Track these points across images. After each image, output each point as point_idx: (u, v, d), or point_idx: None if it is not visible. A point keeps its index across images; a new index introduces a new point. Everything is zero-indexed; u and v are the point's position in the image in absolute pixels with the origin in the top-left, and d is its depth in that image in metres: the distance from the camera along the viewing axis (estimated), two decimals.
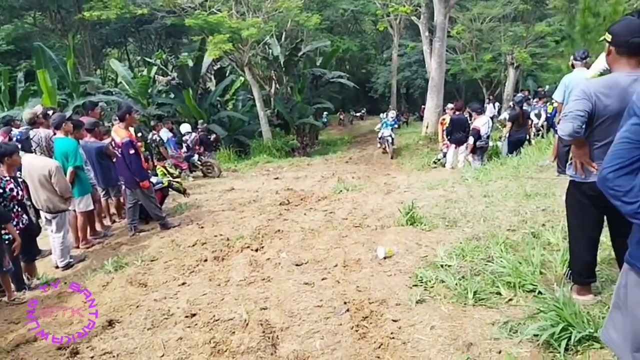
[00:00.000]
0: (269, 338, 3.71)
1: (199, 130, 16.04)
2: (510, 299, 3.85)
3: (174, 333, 3.93)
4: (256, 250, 5.79)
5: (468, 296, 3.93)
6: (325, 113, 33.53)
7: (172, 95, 22.77)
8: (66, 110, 17.11)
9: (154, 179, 7.96)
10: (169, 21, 20.59)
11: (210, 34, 19.01)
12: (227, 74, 25.12)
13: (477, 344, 3.33)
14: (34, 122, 7.21)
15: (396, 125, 19.56)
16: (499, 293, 3.95)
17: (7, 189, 5.37)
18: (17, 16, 23.70)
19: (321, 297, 4.30)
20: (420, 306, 3.97)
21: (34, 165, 5.95)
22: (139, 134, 10.57)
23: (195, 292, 4.71)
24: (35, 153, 6.63)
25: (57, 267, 6.33)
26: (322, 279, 4.69)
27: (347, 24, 39.27)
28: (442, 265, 4.65)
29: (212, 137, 15.96)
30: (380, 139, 19.39)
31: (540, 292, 3.76)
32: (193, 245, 6.45)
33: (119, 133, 6.94)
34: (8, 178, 5.41)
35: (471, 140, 11.33)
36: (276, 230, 6.64)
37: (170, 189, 8.66)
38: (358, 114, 41.32)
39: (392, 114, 19.75)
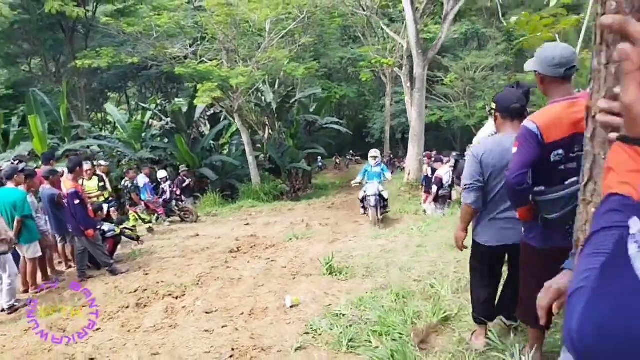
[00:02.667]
0: None
1: (181, 175, 16.54)
2: (377, 347, 4.17)
3: None
4: (177, 297, 6.14)
5: (343, 343, 4.26)
6: (319, 157, 34.10)
7: (166, 140, 23.41)
8: (57, 153, 17.83)
9: (106, 227, 8.39)
10: (162, 69, 21.36)
11: (200, 81, 19.72)
12: (221, 119, 25.82)
13: None
14: None
15: (386, 175, 12.40)
16: (369, 341, 4.28)
17: None
18: (13, 63, 24.73)
19: (214, 343, 4.64)
20: (298, 352, 4.30)
21: None
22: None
23: (104, 337, 5.07)
24: None
25: (2, 310, 6.68)
26: (223, 327, 5.04)
27: (346, 71, 40.14)
28: (337, 314, 4.98)
29: (188, 182, 16.36)
30: (362, 200, 12.19)
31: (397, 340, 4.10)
32: (134, 292, 6.81)
33: (67, 184, 7.44)
34: None
35: (434, 188, 11.75)
36: (215, 278, 7.00)
37: (123, 237, 9.06)
38: (354, 158, 41.88)
39: (374, 153, 12.52)
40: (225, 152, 25.57)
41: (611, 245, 0.77)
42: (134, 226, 11.19)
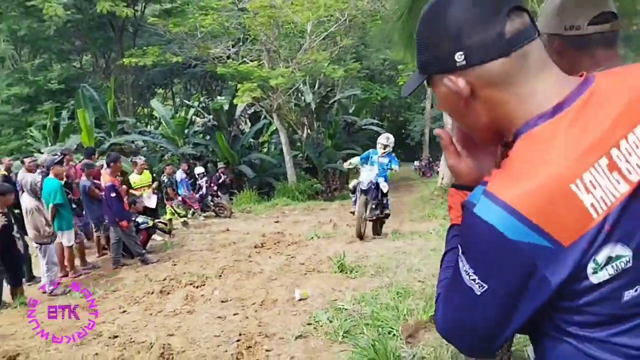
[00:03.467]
0: (163, 358, 4.56)
1: (219, 171, 17.22)
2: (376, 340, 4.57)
3: (94, 349, 4.84)
4: (197, 287, 6.68)
5: (339, 334, 4.68)
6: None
7: (207, 137, 24.20)
8: (103, 147, 18.80)
9: (140, 219, 9.02)
10: (206, 68, 22.12)
11: (241, 81, 20.36)
12: (261, 118, 26.49)
13: None
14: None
15: (394, 167, 9.89)
16: (362, 333, 4.69)
17: None
18: (66, 59, 26.01)
19: (224, 329, 5.14)
20: (297, 340, 4.75)
21: (23, 204, 7.17)
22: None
23: (128, 318, 5.64)
24: (21, 194, 7.87)
25: (45, 292, 7.36)
26: (234, 314, 5.53)
27: (389, 72, 40.36)
28: (339, 309, 5.40)
29: (224, 178, 17.00)
30: (354, 191, 9.85)
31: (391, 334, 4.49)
32: (163, 280, 7.39)
33: (105, 178, 8.11)
34: None
35: None
36: (236, 271, 7.52)
37: (156, 229, 9.69)
38: None
39: (384, 140, 9.93)
40: (264, 150, 26.23)
41: (455, 262, 1.04)
42: (170, 219, 11.83)
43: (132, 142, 20.52)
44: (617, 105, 0.94)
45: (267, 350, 4.56)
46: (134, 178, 10.74)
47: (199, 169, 15.52)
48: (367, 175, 9.44)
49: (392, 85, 41.58)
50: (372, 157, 9.82)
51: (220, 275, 7.23)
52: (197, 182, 15.13)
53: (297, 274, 7.06)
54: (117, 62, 22.80)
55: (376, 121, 31.44)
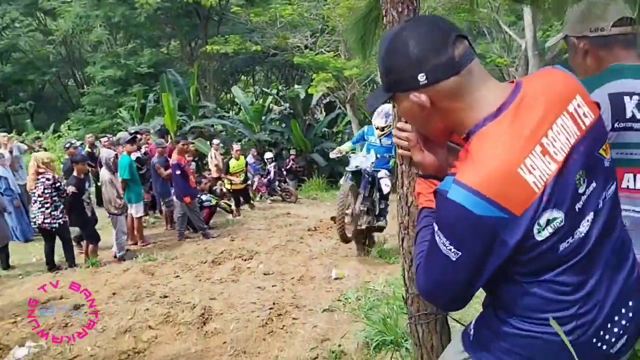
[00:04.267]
0: (203, 317, 5.14)
1: (289, 158, 17.89)
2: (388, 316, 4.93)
3: (145, 305, 5.49)
4: (245, 260, 7.25)
5: (362, 310, 5.08)
6: None
7: (283, 124, 24.93)
8: (184, 129, 19.91)
9: (204, 197, 9.75)
10: (285, 57, 22.77)
11: (316, 71, 20.86)
12: (335, 108, 26.92)
13: (332, 339, 4.52)
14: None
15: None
16: (380, 312, 5.05)
17: (62, 185, 7.40)
18: (155, 45, 27.49)
19: (261, 297, 5.65)
20: (324, 313, 5.18)
21: (101, 177, 8.08)
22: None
23: (180, 282, 6.29)
24: (100, 168, 8.77)
25: (115, 257, 8.19)
26: (273, 286, 6.04)
27: None
28: (370, 289, 5.78)
29: (291, 165, 17.66)
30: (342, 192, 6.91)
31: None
32: (220, 253, 8.03)
33: (174, 157, 8.85)
34: (61, 176, 7.45)
35: None
36: (285, 249, 8.04)
37: (218, 207, 10.40)
38: None
39: (380, 121, 6.92)
40: (338, 140, 26.67)
41: (429, 237, 1.35)
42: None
43: (212, 126, 21.50)
44: (541, 106, 1.26)
45: (294, 319, 5.03)
46: (232, 163, 12.17)
47: (268, 154, 16.21)
48: (362, 161, 6.94)
49: None
50: (368, 137, 7.34)
51: (268, 252, 7.78)
52: (267, 167, 15.83)
53: (339, 256, 7.49)
54: (201, 49, 23.86)
55: None
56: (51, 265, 7.54)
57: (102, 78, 26.19)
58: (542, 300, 1.30)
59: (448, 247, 1.25)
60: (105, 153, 8.79)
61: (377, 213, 7.26)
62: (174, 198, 9.27)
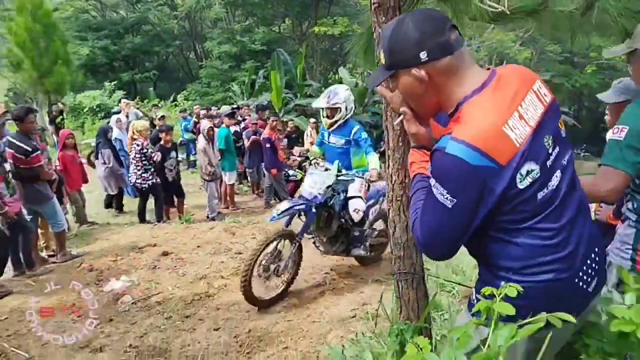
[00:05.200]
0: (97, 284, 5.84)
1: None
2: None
3: (221, 258, 6.35)
4: None
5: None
6: None
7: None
8: (288, 106, 20.88)
9: (290, 172, 10.48)
10: None
11: None
12: None
13: (372, 304, 5.06)
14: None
15: (369, 159, 5.59)
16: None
17: (148, 152, 8.44)
18: (268, 24, 28.68)
19: (324, 263, 6.27)
20: (373, 283, 5.69)
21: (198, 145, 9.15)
22: None
23: (254, 242, 7.02)
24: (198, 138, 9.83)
25: (207, 217, 9.19)
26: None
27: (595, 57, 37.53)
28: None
29: (383, 148, 17.99)
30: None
31: None
32: None
33: (265, 131, 9.69)
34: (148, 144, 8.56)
35: None
36: None
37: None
38: (584, 154, 39.11)
39: (325, 99, 5.54)
40: None
41: (423, 197, 1.63)
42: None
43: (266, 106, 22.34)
44: (514, 84, 1.58)
45: (345, 284, 5.62)
46: None
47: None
48: (314, 182, 5.26)
49: (597, 72, 38.66)
50: (324, 139, 5.98)
51: None
52: None
53: None
54: (310, 30, 24.65)
55: (566, 109, 29.90)
56: (142, 220, 8.76)
57: (219, 53, 27.70)
58: (529, 248, 1.56)
59: (445, 196, 1.48)
60: (203, 124, 9.79)
61: (351, 240, 5.71)
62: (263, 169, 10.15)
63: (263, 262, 4.90)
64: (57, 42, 18.54)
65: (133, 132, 8.62)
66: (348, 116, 5.65)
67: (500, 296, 1.37)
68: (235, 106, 12.66)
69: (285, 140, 11.69)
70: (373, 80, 1.80)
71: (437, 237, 1.57)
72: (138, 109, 13.83)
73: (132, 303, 5.14)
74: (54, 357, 4.13)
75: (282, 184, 9.93)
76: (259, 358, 4.09)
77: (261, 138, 9.80)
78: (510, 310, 1.32)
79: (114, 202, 9.67)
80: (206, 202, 9.30)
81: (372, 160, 5.59)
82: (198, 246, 6.94)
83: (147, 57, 32.96)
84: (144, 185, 8.42)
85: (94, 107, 22.82)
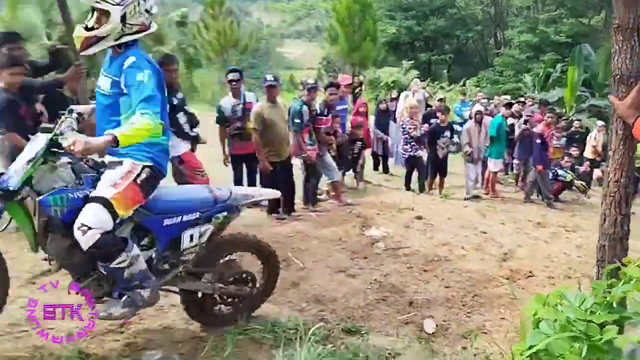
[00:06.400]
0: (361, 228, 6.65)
1: None
2: None
3: (466, 233, 7.02)
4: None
5: None
6: None
7: None
8: (581, 105, 19.79)
9: (560, 172, 10.40)
10: None
11: None
12: None
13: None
14: None
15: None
16: None
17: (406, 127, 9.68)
18: (579, 15, 26.94)
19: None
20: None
21: None
22: None
23: (500, 228, 7.54)
24: None
25: (464, 198, 9.81)
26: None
27: None
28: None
29: None
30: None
31: None
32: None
33: (540, 126, 9.91)
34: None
35: None
36: None
37: (573, 185, 10.74)
38: None
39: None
40: None
41: None
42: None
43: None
44: None
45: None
46: None
47: None
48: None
49: None
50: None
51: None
52: None
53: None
54: None
55: None
56: (407, 187, 10.03)
57: (519, 42, 27.38)
58: None
59: None
60: (476, 107, 10.42)
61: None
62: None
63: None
64: (369, 21, 20.56)
65: (404, 109, 9.95)
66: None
67: None
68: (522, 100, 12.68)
69: (564, 139, 11.52)
70: None
71: None
72: (424, 89, 14.84)
73: (384, 250, 6.14)
74: (321, 273, 5.29)
75: (546, 181, 9.97)
76: (477, 317, 4.66)
77: (534, 132, 9.94)
78: None
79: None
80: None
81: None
82: (449, 218, 7.68)
83: (447, 39, 34.07)
84: (404, 156, 9.68)
85: (389, 82, 24.69)
